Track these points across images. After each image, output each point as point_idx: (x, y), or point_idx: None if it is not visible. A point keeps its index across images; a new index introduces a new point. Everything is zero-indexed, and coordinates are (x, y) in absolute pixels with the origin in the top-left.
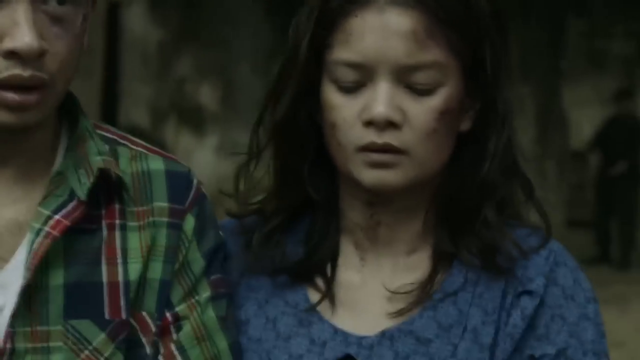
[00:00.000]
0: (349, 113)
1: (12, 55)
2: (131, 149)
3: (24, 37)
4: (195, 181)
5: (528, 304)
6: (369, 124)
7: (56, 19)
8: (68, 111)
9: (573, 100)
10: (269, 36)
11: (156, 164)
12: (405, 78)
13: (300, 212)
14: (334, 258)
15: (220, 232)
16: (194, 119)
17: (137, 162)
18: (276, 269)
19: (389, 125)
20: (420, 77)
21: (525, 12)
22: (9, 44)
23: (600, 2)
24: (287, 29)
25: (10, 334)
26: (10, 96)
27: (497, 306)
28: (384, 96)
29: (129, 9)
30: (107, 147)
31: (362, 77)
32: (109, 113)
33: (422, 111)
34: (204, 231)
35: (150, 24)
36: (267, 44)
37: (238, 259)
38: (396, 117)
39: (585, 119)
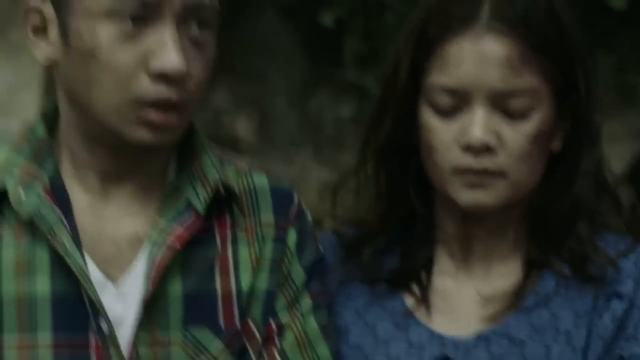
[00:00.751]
0: (446, 136)
1: (161, 76)
2: (237, 166)
3: (173, 59)
4: (296, 197)
5: (618, 306)
6: (467, 148)
7: (196, 43)
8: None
9: (602, 135)
10: (304, 68)
11: (261, 180)
12: (500, 103)
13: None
14: (429, 266)
15: (319, 246)
16: (231, 150)
17: (243, 178)
18: (374, 278)
19: (486, 149)
20: (515, 103)
21: None
22: (157, 64)
23: (629, 36)
24: (323, 62)
25: (135, 342)
26: (155, 115)
27: (588, 310)
28: (481, 121)
29: None
30: (219, 162)
31: (458, 102)
32: None
33: (516, 135)
34: (304, 245)
35: None
36: (303, 76)
37: (336, 270)
38: (492, 141)
39: (614, 154)
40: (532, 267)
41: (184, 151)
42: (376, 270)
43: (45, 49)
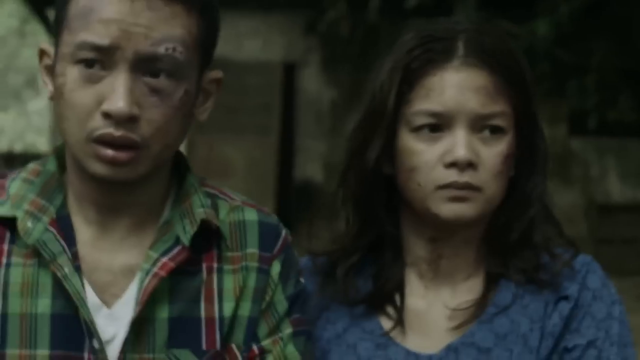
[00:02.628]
0: (430, 157)
1: (108, 116)
2: (230, 202)
3: (117, 102)
4: (283, 232)
5: (565, 306)
6: (451, 165)
7: (154, 90)
8: (178, 169)
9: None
10: None
11: (251, 215)
12: (478, 126)
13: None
14: (400, 288)
15: (301, 279)
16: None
17: (234, 213)
18: (352, 302)
19: (469, 166)
20: (491, 125)
21: None
22: (105, 106)
23: None
24: None
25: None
26: (105, 152)
27: (541, 315)
28: (464, 141)
29: (304, 70)
30: (209, 200)
31: (441, 126)
32: (286, 167)
33: (492, 155)
34: (287, 276)
35: (324, 84)
36: None
37: (315, 296)
38: (474, 158)
39: None
40: (491, 280)
41: (179, 192)
42: (351, 292)
43: (50, 87)
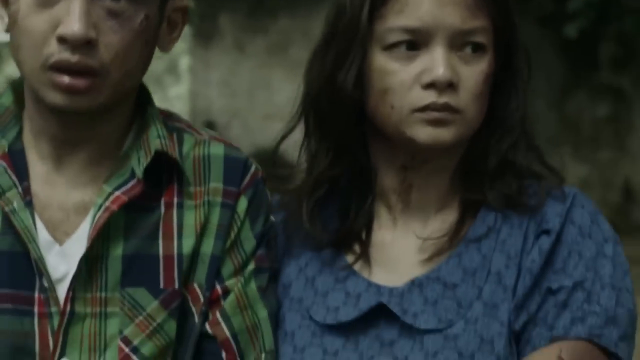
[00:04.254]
0: (406, 77)
1: (63, 41)
2: (196, 136)
3: (73, 25)
4: (253, 167)
5: (545, 241)
6: (429, 86)
7: (112, 13)
8: (141, 105)
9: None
10: (562, 72)
11: (217, 150)
12: (458, 43)
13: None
14: (368, 223)
15: (271, 216)
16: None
17: (199, 147)
18: (318, 240)
19: (448, 86)
20: (471, 41)
21: None
22: (59, 29)
23: None
24: (580, 65)
25: (71, 298)
26: (61, 79)
27: (519, 250)
28: (444, 59)
29: None
30: (166, 131)
31: (417, 43)
32: None
33: (472, 74)
34: (256, 213)
35: None
36: (561, 80)
37: (280, 233)
38: (455, 78)
39: None
40: (468, 210)
41: (140, 125)
42: (316, 230)
43: (5, 19)
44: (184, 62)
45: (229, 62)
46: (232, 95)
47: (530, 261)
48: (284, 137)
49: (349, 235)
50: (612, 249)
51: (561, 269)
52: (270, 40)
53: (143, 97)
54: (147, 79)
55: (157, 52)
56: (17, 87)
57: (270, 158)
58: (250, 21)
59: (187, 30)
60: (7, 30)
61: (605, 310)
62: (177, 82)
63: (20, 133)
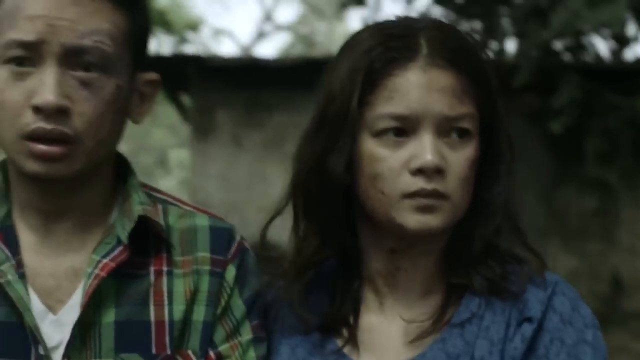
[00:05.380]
0: (395, 163)
1: (38, 110)
2: (180, 208)
3: (46, 95)
4: (237, 237)
5: (527, 328)
6: (418, 172)
7: (84, 83)
8: (123, 173)
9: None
10: (550, 166)
11: (202, 221)
12: (445, 129)
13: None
14: (356, 306)
15: (260, 282)
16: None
17: (185, 219)
18: (306, 327)
19: (436, 172)
20: (458, 128)
21: None
22: (33, 100)
23: None
24: (568, 161)
25: None
26: (37, 147)
27: (501, 337)
28: (431, 146)
29: None
30: (150, 200)
31: (405, 130)
32: None
33: (459, 160)
34: (245, 280)
35: None
36: (549, 173)
37: (271, 310)
38: (442, 164)
39: None
40: (452, 294)
41: (123, 194)
42: (305, 311)
43: None
44: (174, 155)
45: (226, 155)
46: (229, 189)
47: (512, 348)
48: (272, 219)
49: (336, 319)
50: (592, 334)
51: (544, 355)
52: (267, 134)
53: (124, 168)
54: (138, 172)
55: (148, 144)
56: (4, 167)
57: (262, 243)
58: (246, 116)
59: (185, 125)
60: None
61: None
62: (167, 175)
63: (10, 209)
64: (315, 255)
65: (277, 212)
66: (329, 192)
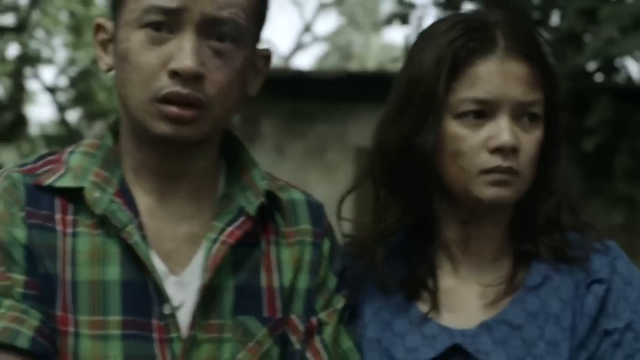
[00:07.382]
0: (475, 142)
1: (175, 75)
2: (278, 182)
3: (185, 60)
4: (325, 212)
5: (599, 289)
6: (496, 150)
7: (218, 53)
8: (228, 149)
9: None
10: (579, 182)
11: (298, 195)
12: (519, 113)
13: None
14: (433, 271)
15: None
16: None
17: (283, 192)
18: (388, 289)
19: (512, 151)
20: (530, 112)
21: None
22: (172, 64)
23: None
24: (597, 177)
25: (193, 325)
26: (171, 109)
27: (571, 296)
28: (508, 128)
29: None
30: (267, 175)
31: (484, 112)
32: None
33: (530, 141)
34: (335, 254)
35: None
36: (577, 189)
37: (353, 279)
38: (517, 144)
39: None
40: (521, 261)
41: (233, 167)
42: (386, 279)
43: (106, 59)
44: None
45: (269, 163)
46: None
47: (587, 307)
48: (348, 192)
49: (416, 282)
50: None
51: (613, 313)
52: (308, 144)
53: (232, 142)
54: None
55: None
56: (114, 129)
57: (338, 216)
58: (289, 126)
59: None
60: (110, 69)
61: None
62: None
63: (122, 174)
64: (399, 223)
65: (355, 187)
66: (415, 167)
